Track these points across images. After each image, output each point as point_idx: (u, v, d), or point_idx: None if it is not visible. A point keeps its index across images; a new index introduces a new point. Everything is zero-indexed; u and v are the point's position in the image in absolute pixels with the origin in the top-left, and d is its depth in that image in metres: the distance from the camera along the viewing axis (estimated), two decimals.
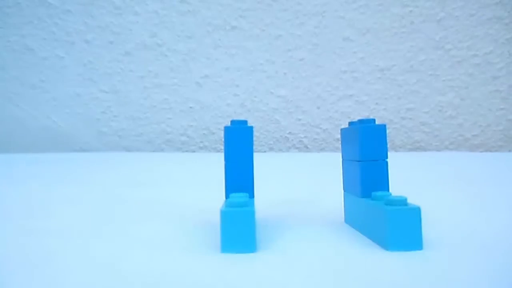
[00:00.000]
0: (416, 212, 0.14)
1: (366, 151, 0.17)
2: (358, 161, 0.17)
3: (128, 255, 0.16)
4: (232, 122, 0.17)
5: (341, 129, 0.19)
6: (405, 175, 0.29)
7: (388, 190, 0.17)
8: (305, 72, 0.54)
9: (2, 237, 0.18)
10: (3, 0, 0.56)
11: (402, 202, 0.14)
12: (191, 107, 0.56)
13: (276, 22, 0.53)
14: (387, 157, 0.17)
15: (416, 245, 0.14)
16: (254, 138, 0.54)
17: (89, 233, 0.19)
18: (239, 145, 0.17)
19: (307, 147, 0.56)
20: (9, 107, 0.57)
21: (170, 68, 0.57)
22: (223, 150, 0.55)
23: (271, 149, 0.56)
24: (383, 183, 0.17)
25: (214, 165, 0.42)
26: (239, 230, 0.14)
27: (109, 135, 0.58)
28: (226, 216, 0.14)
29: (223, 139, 0.55)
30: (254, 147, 0.57)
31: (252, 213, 0.14)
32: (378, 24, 0.53)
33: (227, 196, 0.17)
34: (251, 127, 0.17)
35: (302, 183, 0.32)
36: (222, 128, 0.55)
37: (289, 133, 0.55)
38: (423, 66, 0.52)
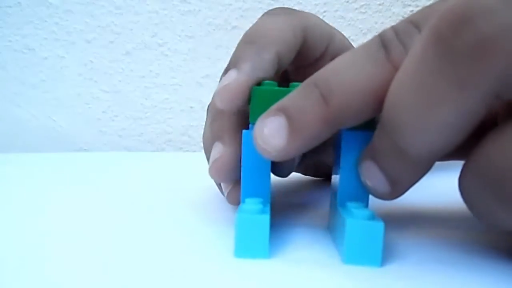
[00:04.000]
0: (378, 228, 0.14)
1: (347, 158, 0.16)
2: (339, 168, 0.16)
3: (133, 257, 0.16)
4: (251, 126, 0.17)
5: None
6: None
7: (366, 201, 0.16)
8: None
9: (1, 237, 0.18)
10: (3, 0, 0.56)
11: (367, 216, 0.14)
12: (192, 107, 0.56)
13: None
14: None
15: (374, 261, 0.14)
16: None
17: (89, 234, 0.19)
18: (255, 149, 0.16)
19: None
20: (9, 107, 0.57)
21: (171, 68, 0.57)
22: None
23: None
24: (363, 193, 0.16)
25: None
26: (253, 235, 0.14)
27: (109, 135, 0.58)
28: (241, 222, 0.14)
29: None
30: None
31: (266, 220, 0.14)
32: (379, 24, 0.53)
33: (242, 201, 0.17)
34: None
35: (306, 184, 0.32)
36: None
37: None
38: None
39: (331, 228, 0.17)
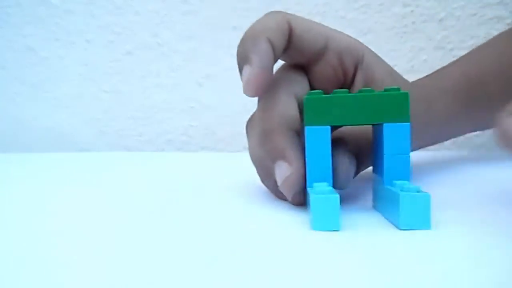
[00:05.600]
0: (426, 198, 0.17)
1: (389, 146, 0.20)
2: (384, 154, 0.20)
3: (139, 257, 0.16)
4: (307, 128, 0.20)
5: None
6: None
7: (408, 180, 0.20)
8: None
9: (1, 237, 0.18)
10: (4, 0, 0.56)
11: (415, 189, 0.17)
12: (192, 107, 0.56)
13: None
14: (409, 152, 0.20)
15: (425, 225, 0.17)
16: None
17: (89, 234, 0.19)
18: (318, 143, 0.20)
19: None
20: (9, 107, 0.57)
21: (171, 68, 0.57)
22: (224, 150, 0.55)
23: None
24: (405, 174, 0.20)
25: (216, 165, 0.42)
26: (327, 212, 0.17)
27: (109, 135, 0.58)
28: (316, 201, 0.17)
29: (225, 139, 0.55)
30: None
31: (337, 198, 0.17)
32: (379, 24, 0.53)
33: (310, 186, 0.20)
34: (329, 128, 0.20)
35: None
36: (223, 128, 0.55)
37: None
38: (424, 66, 0.52)
39: (380, 206, 0.21)
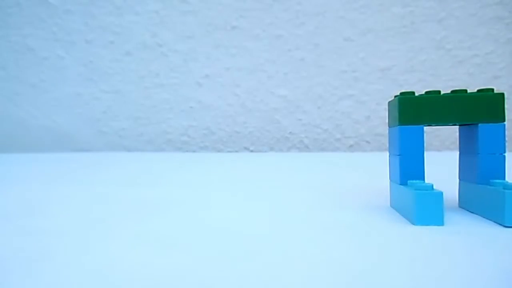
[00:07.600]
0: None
1: (486, 146, 0.20)
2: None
3: (131, 256, 0.16)
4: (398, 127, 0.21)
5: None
6: None
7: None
8: (306, 72, 0.54)
9: (1, 237, 0.18)
10: (4, 0, 0.56)
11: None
12: (191, 107, 0.56)
13: (276, 22, 0.53)
14: (505, 151, 0.20)
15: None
16: (255, 139, 0.54)
17: (89, 233, 0.19)
18: (412, 142, 0.21)
19: (308, 147, 0.56)
20: (9, 107, 0.57)
21: (171, 68, 0.57)
22: (223, 150, 0.55)
23: (271, 149, 0.56)
24: (500, 173, 0.20)
25: (217, 165, 0.42)
26: (430, 207, 0.18)
27: (109, 135, 0.58)
28: (420, 197, 0.18)
29: (224, 139, 0.55)
30: (255, 147, 0.56)
31: (441, 194, 0.18)
32: (379, 24, 0.53)
33: (404, 183, 0.20)
34: (422, 127, 0.20)
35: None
36: (223, 128, 0.55)
37: (290, 133, 0.55)
38: (423, 66, 0.52)
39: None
